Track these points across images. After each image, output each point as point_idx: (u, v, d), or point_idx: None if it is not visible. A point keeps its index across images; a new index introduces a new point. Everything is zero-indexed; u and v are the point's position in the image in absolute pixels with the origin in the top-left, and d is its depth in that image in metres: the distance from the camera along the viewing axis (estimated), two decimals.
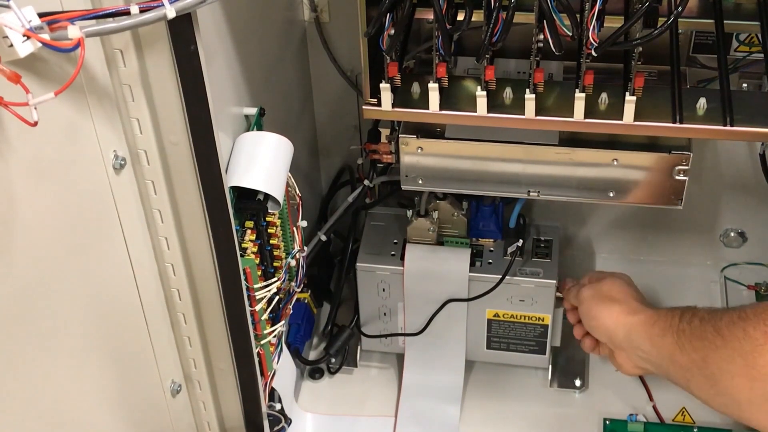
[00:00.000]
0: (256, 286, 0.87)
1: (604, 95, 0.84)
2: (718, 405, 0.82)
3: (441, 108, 0.86)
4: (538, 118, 0.84)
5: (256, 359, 0.91)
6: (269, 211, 0.87)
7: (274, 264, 0.92)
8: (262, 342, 0.93)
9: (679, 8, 0.72)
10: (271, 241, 0.90)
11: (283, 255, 0.93)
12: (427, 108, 0.86)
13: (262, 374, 0.95)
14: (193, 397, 0.93)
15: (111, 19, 0.61)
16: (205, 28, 0.71)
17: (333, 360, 1.20)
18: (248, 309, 0.87)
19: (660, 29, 0.75)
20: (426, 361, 1.17)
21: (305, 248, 1.00)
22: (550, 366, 1.18)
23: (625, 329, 0.93)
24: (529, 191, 0.96)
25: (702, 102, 0.83)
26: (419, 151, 0.94)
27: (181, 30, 0.67)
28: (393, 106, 0.87)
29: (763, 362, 0.76)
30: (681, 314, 0.86)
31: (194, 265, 0.83)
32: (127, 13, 0.61)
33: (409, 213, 1.10)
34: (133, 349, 0.82)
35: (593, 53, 0.78)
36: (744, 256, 1.28)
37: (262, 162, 0.86)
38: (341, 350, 1.19)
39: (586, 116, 0.83)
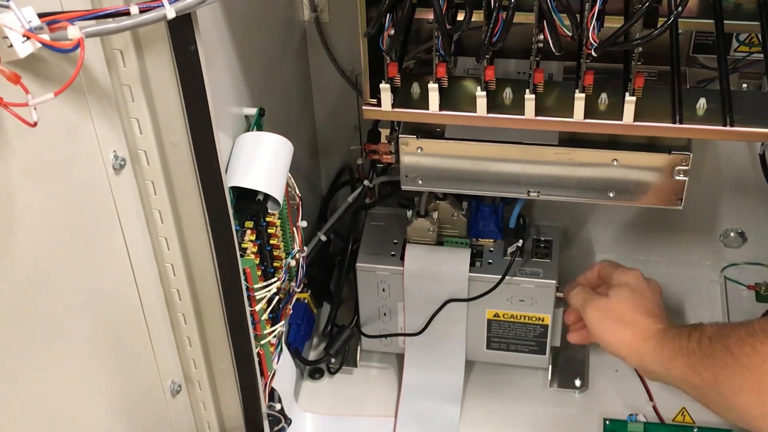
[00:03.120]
0: (256, 286, 0.87)
1: (604, 95, 0.84)
2: (734, 420, 0.83)
3: (441, 108, 0.86)
4: (538, 118, 0.84)
5: (256, 359, 0.91)
6: (269, 211, 0.87)
7: (274, 264, 0.92)
8: (262, 342, 0.93)
9: (679, 8, 0.72)
10: (271, 242, 0.90)
11: (283, 255, 0.93)
12: (427, 108, 0.86)
13: (262, 374, 0.95)
14: (193, 397, 0.93)
15: (111, 20, 0.61)
16: (205, 28, 0.71)
17: (333, 360, 1.20)
18: (248, 309, 0.87)
19: (660, 29, 0.75)
20: (426, 361, 1.17)
21: (305, 248, 1.00)
22: (550, 366, 1.18)
23: (638, 357, 0.92)
24: (529, 191, 0.96)
25: (702, 102, 0.83)
26: (419, 151, 0.94)
27: (181, 30, 0.67)
28: (393, 106, 0.87)
29: None
30: (689, 334, 0.86)
31: (194, 265, 0.83)
32: (127, 13, 0.61)
33: (409, 213, 1.10)
34: (133, 349, 0.82)
35: (593, 53, 0.78)
36: (744, 256, 1.28)
37: (261, 162, 0.86)
38: (341, 350, 1.19)
39: (586, 116, 0.83)
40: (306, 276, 1.05)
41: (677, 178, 0.91)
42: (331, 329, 1.20)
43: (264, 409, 0.97)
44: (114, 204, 0.74)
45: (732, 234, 1.26)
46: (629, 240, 1.29)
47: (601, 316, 0.97)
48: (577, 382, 1.18)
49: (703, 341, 0.84)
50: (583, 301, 0.99)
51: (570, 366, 1.20)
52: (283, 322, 0.96)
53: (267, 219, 0.88)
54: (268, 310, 0.92)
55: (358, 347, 1.21)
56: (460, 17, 0.82)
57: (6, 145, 0.59)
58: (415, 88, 0.88)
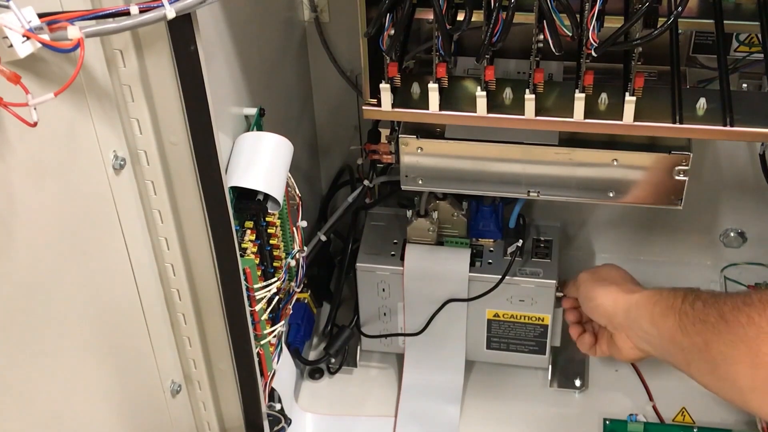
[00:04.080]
0: (255, 286, 0.87)
1: (604, 95, 0.84)
2: (719, 390, 0.81)
3: (441, 108, 0.86)
4: (538, 118, 0.84)
5: (256, 359, 0.91)
6: (269, 211, 0.87)
7: (274, 264, 0.92)
8: (262, 342, 0.93)
9: (679, 8, 0.72)
10: (271, 242, 0.90)
11: (283, 255, 0.93)
12: (427, 108, 0.86)
13: (262, 374, 0.95)
14: (193, 397, 0.93)
15: (111, 20, 0.61)
16: (205, 28, 0.71)
17: (333, 360, 1.20)
18: (248, 309, 0.87)
19: (660, 29, 0.75)
20: (426, 361, 1.17)
21: (305, 248, 1.00)
22: (550, 366, 1.18)
23: (626, 307, 0.91)
24: (529, 191, 0.96)
25: (702, 102, 0.83)
26: (419, 151, 0.94)
27: (181, 30, 0.67)
28: (393, 106, 0.87)
29: (767, 349, 0.75)
30: (684, 296, 0.85)
31: (194, 265, 0.83)
32: (126, 13, 0.61)
33: (409, 213, 1.10)
34: (133, 349, 0.82)
35: (593, 53, 0.78)
36: (744, 256, 1.28)
37: (261, 162, 0.86)
38: (341, 350, 1.19)
39: (586, 116, 0.83)
40: (306, 276, 1.05)
41: (677, 178, 0.91)
42: (331, 329, 1.20)
43: (264, 409, 0.97)
44: (114, 204, 0.74)
45: (732, 234, 1.26)
46: (629, 240, 1.29)
47: (591, 276, 1.00)
48: (577, 382, 1.18)
49: (696, 305, 0.82)
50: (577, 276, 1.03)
51: (570, 366, 1.20)
52: (283, 322, 0.96)
53: (267, 219, 0.88)
54: (268, 310, 0.92)
55: (358, 347, 1.21)
56: (460, 17, 0.82)
57: (6, 145, 0.59)
58: (415, 88, 0.88)
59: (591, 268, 1.04)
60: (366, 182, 1.14)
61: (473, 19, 0.80)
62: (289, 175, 0.90)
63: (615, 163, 0.91)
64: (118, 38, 0.69)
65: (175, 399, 0.90)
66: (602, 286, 0.97)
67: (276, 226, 0.89)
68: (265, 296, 0.89)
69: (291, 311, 0.99)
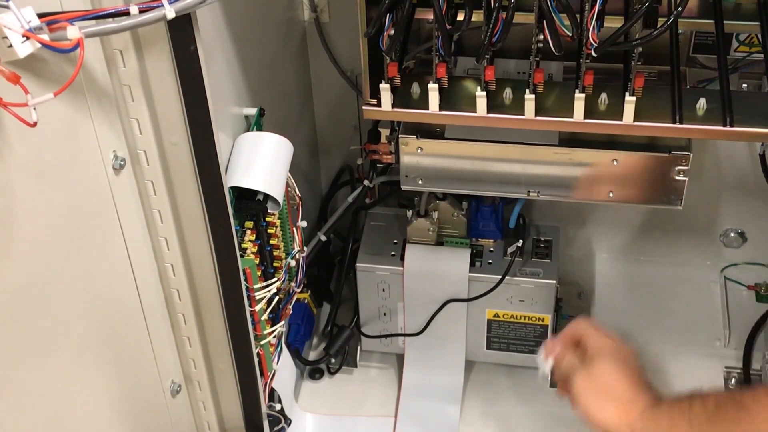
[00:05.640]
0: (255, 286, 0.87)
1: (604, 95, 0.84)
2: None
3: (441, 108, 0.86)
4: (538, 118, 0.84)
5: (256, 359, 0.91)
6: (269, 211, 0.87)
7: (274, 264, 0.92)
8: (262, 342, 0.93)
9: (679, 8, 0.72)
10: (271, 242, 0.90)
11: (283, 255, 0.93)
12: (427, 108, 0.86)
13: (262, 374, 0.95)
14: (193, 397, 0.93)
15: (110, 20, 0.61)
16: (205, 28, 0.71)
17: (333, 360, 1.20)
18: (248, 309, 0.87)
19: (660, 29, 0.75)
20: (426, 361, 1.17)
21: (305, 248, 1.00)
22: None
23: (629, 424, 0.85)
24: (529, 191, 0.96)
25: (702, 102, 0.83)
26: (419, 151, 0.94)
27: (181, 30, 0.67)
28: (393, 106, 0.87)
29: None
30: (690, 401, 0.82)
31: (194, 265, 0.83)
32: (126, 13, 0.61)
33: (409, 213, 1.10)
34: (133, 350, 0.82)
35: (593, 53, 0.78)
36: (744, 256, 1.28)
37: (261, 162, 0.86)
38: (341, 350, 1.19)
39: (586, 116, 0.83)
40: (306, 276, 1.05)
41: (677, 178, 0.91)
42: (331, 329, 1.20)
43: (264, 409, 0.97)
44: (114, 204, 0.74)
45: (732, 234, 1.26)
46: (629, 240, 1.29)
47: (588, 384, 0.89)
48: None
49: (708, 406, 0.80)
50: (571, 367, 0.91)
51: None
52: (283, 322, 0.96)
53: (267, 219, 0.88)
54: (268, 310, 0.92)
55: (358, 347, 1.21)
56: (460, 17, 0.82)
57: (6, 145, 0.59)
58: (415, 88, 0.88)
59: (585, 369, 0.89)
60: (366, 182, 1.14)
61: (473, 19, 0.80)
62: (289, 175, 0.90)
63: (615, 163, 0.91)
64: (118, 38, 0.69)
65: (175, 399, 0.90)
66: (601, 404, 0.87)
67: (276, 226, 0.89)
68: (265, 296, 0.89)
69: (291, 311, 0.99)
